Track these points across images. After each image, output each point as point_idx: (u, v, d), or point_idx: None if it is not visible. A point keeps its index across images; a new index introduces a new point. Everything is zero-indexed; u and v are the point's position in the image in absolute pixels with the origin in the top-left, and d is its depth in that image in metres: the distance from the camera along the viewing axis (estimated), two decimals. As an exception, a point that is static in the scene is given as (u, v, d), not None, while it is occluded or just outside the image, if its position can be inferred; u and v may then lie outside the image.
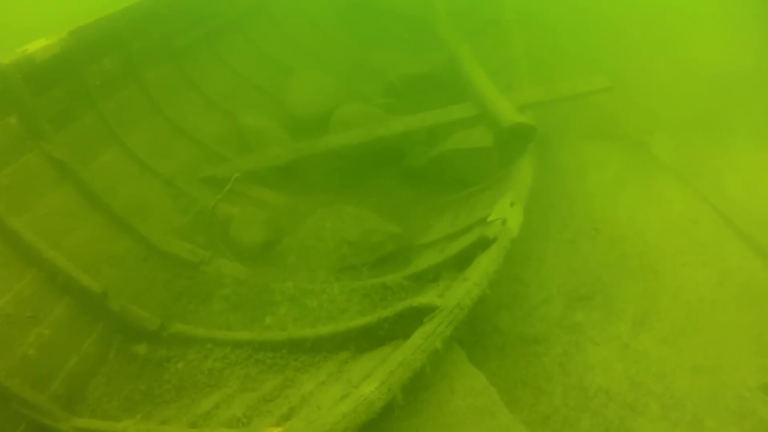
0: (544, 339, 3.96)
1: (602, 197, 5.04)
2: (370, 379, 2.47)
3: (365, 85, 6.48)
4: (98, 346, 3.73)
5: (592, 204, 4.97)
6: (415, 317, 2.84)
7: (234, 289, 4.09)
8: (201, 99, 5.86)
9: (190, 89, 5.85)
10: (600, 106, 6.02)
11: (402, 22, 7.96)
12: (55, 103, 4.48)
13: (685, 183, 5.23)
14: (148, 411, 3.32)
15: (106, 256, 4.16)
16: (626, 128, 5.95)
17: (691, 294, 4.29)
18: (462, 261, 3.48)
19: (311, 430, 2.25)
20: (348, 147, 4.89)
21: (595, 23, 8.06)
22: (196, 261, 4.25)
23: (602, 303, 4.21)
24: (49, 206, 4.09)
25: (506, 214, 3.50)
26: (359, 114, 5.34)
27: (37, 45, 4.27)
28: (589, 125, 5.94)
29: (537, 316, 4.11)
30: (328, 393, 2.81)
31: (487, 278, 3.03)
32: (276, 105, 6.12)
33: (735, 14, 7.88)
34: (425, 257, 3.97)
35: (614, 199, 5.02)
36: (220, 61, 6.38)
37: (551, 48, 7.40)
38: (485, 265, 3.11)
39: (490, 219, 3.50)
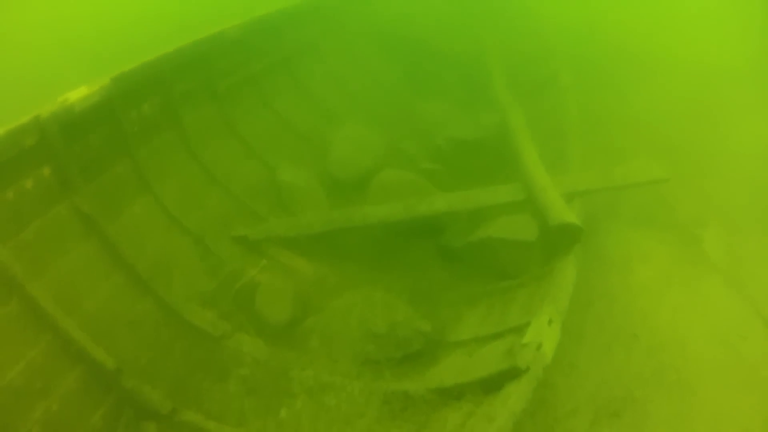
0: (565, 458, 3.88)
1: (645, 297, 4.92)
2: None
3: (411, 143, 6.43)
4: (107, 420, 3.75)
5: (633, 304, 4.85)
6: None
7: (252, 370, 4.09)
8: (240, 145, 5.87)
9: (231, 134, 5.86)
10: (652, 188, 5.85)
11: (456, 71, 7.90)
12: (89, 151, 4.47)
13: (736, 289, 5.07)
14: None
15: (125, 320, 4.18)
16: (678, 216, 5.79)
17: (731, 423, 4.14)
18: (489, 384, 3.40)
19: None
20: (385, 223, 4.85)
21: (657, 89, 7.89)
22: (217, 334, 4.26)
23: (631, 422, 4.09)
24: (71, 265, 4.09)
25: (542, 335, 3.40)
26: (401, 182, 5.31)
27: (78, 94, 4.25)
28: (638, 209, 5.80)
29: (561, 430, 4.01)
30: None
31: (513, 420, 2.95)
32: (318, 155, 6.11)
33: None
34: (452, 365, 3.90)
35: (657, 301, 4.89)
36: (264, 103, 6.39)
37: (607, 110, 7.28)
38: (512, 404, 3.03)
39: (525, 341, 3.41)
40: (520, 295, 4.31)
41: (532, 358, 3.29)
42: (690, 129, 7.16)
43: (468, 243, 4.77)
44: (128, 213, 4.71)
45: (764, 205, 5.96)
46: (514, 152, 5.35)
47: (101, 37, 9.05)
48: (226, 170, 5.53)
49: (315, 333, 4.30)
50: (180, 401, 3.83)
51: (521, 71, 7.68)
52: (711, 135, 7.07)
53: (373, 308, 4.25)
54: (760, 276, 5.19)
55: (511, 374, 3.31)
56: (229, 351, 4.21)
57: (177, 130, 5.36)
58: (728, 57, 8.67)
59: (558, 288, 3.86)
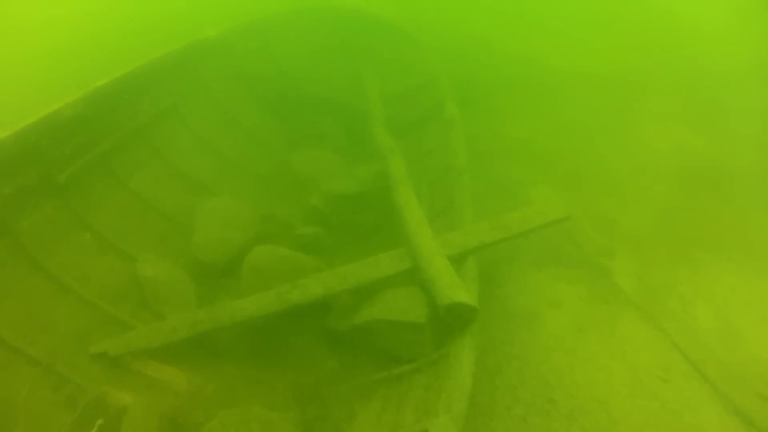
0: None
1: (559, 351, 4.63)
2: None
3: (286, 207, 5.96)
4: None
5: (546, 363, 4.54)
6: None
7: None
8: (93, 240, 5.24)
9: (80, 230, 5.21)
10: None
11: (334, 112, 7.49)
12: None
13: (651, 323, 4.85)
14: None
15: None
16: (584, 249, 5.56)
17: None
18: None
19: None
20: (257, 318, 4.39)
21: (542, 107, 7.74)
22: None
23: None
24: None
25: None
26: (274, 260, 4.86)
27: None
28: (542, 247, 5.54)
29: None
30: None
31: None
32: (186, 237, 5.55)
33: (689, 95, 7.65)
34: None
35: (572, 354, 4.61)
36: (119, 184, 5.75)
37: (498, 139, 7.04)
38: None
39: None
40: (416, 384, 3.94)
41: None
42: (587, 151, 7.00)
43: (353, 326, 4.36)
44: None
45: (666, 222, 5.82)
46: (396, 211, 4.99)
47: None
48: (78, 274, 4.91)
49: (188, 467, 3.82)
50: None
51: (403, 103, 7.38)
52: (608, 152, 6.94)
53: (249, 429, 3.79)
54: (672, 303, 5.01)
55: None
56: None
57: (9, 239, 4.72)
58: (624, 70, 8.65)
59: (454, 383, 3.51)
